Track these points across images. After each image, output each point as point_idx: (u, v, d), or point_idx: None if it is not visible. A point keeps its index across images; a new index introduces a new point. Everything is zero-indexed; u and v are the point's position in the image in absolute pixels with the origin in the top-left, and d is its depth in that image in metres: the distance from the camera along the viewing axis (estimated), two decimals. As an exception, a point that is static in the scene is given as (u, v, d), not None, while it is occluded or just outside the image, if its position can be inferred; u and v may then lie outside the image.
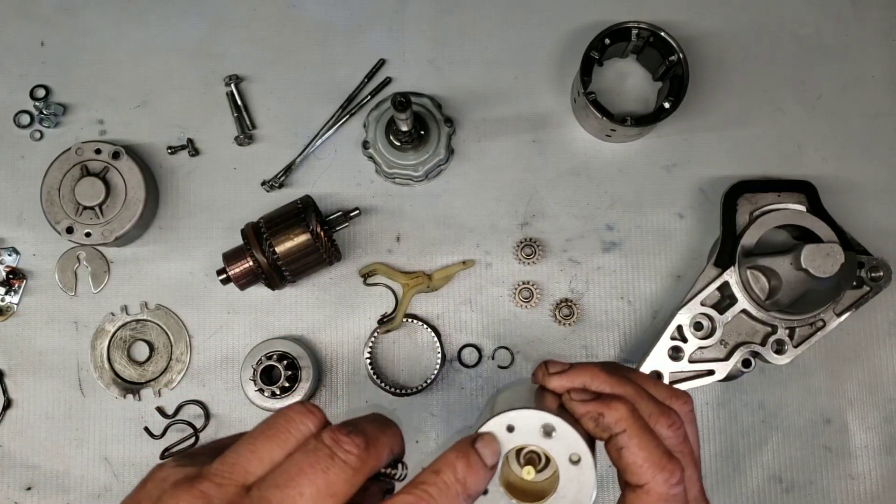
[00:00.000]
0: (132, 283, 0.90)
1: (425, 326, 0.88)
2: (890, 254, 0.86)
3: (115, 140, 0.89)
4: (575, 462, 0.47)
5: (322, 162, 0.90)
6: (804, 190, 0.84)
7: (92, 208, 0.85)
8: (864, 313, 0.85)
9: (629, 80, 0.91)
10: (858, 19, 0.92)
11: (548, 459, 0.48)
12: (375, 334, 0.88)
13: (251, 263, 0.82)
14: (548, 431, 0.47)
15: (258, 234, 0.82)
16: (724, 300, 0.83)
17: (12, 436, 0.88)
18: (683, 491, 0.46)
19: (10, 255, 0.89)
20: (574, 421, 0.48)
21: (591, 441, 0.48)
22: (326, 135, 0.90)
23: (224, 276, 0.83)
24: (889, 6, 0.93)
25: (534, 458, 0.48)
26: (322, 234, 0.81)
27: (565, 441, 0.47)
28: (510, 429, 0.47)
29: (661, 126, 0.87)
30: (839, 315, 0.82)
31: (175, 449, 0.85)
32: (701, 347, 0.81)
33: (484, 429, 0.47)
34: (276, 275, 0.82)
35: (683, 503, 0.46)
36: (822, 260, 0.76)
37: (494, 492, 0.47)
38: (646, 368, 0.81)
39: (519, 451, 0.48)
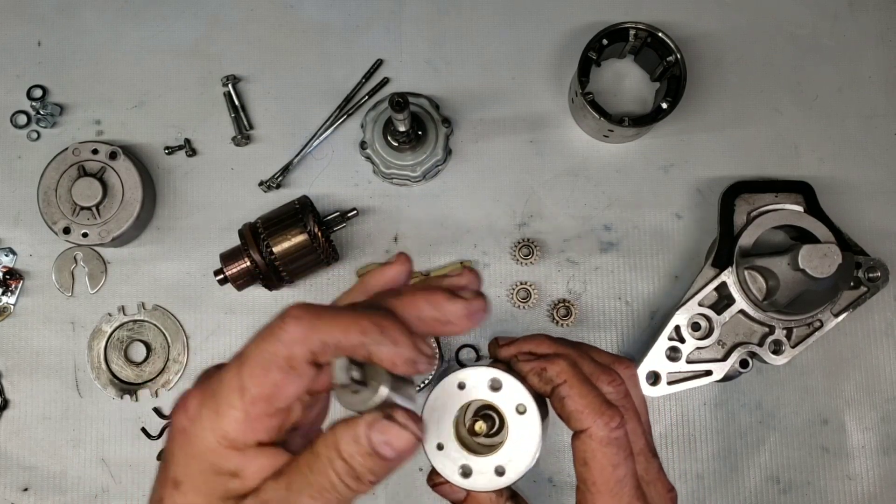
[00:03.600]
0: (129, 284, 0.89)
1: (423, 327, 0.87)
2: (887, 254, 0.86)
3: (112, 140, 0.89)
4: (521, 412, 0.50)
5: (319, 162, 0.90)
6: (801, 190, 0.84)
7: (89, 209, 0.85)
8: (861, 314, 0.85)
9: (627, 81, 0.91)
10: (855, 20, 0.93)
11: (500, 423, 0.51)
12: (373, 335, 0.87)
13: (248, 264, 0.82)
14: (495, 386, 0.50)
15: (255, 234, 0.82)
16: (722, 300, 0.83)
17: (9, 436, 0.87)
18: (625, 435, 0.49)
19: (6, 255, 0.89)
20: (522, 379, 0.51)
21: (538, 399, 0.51)
22: (324, 135, 0.90)
23: (221, 276, 0.82)
24: (885, 7, 0.93)
25: (486, 419, 0.51)
26: (319, 234, 0.81)
27: (511, 393, 0.50)
28: (461, 386, 0.50)
29: (658, 126, 0.87)
30: (836, 315, 0.82)
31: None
32: (698, 348, 0.81)
33: (439, 386, 0.51)
34: (274, 275, 0.82)
35: (625, 449, 0.48)
36: (820, 260, 0.76)
37: (449, 446, 0.50)
38: (643, 369, 0.81)
39: (473, 411, 0.51)
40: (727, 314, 0.81)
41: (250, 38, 0.92)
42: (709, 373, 0.82)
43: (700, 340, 0.81)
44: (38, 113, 0.89)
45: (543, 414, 0.51)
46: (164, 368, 0.88)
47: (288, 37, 0.92)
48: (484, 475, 0.50)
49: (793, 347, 0.81)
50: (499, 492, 0.50)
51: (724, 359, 0.82)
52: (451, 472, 0.51)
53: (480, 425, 0.50)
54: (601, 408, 0.49)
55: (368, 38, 0.92)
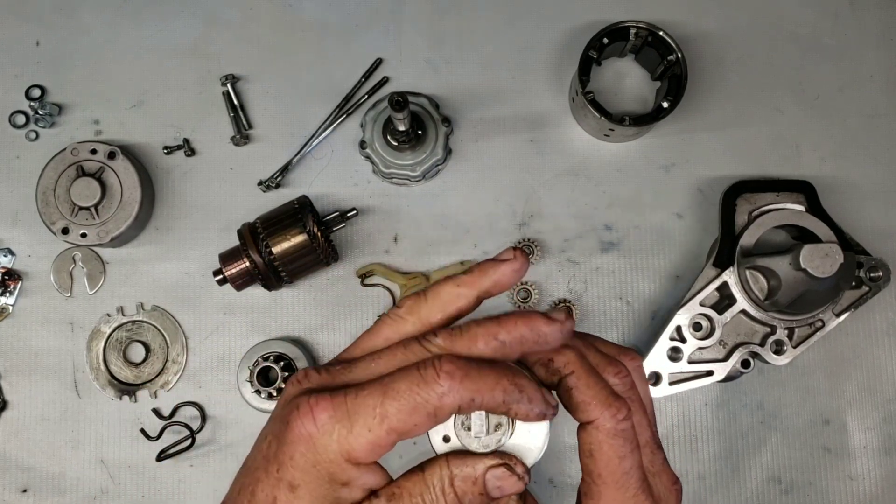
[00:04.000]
0: (128, 284, 0.89)
1: (423, 327, 0.87)
2: (889, 254, 0.85)
3: (110, 140, 0.89)
4: None
5: (319, 162, 0.90)
6: (803, 190, 0.84)
7: (88, 209, 0.84)
8: (862, 313, 0.85)
9: (627, 80, 0.91)
10: (856, 19, 0.92)
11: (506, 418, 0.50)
12: (373, 335, 0.87)
13: (248, 264, 0.81)
14: None
15: (255, 234, 0.82)
16: (723, 300, 0.82)
17: (7, 438, 0.87)
18: (631, 427, 0.48)
19: (5, 255, 0.89)
20: (528, 370, 0.50)
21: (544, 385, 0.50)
22: (323, 135, 0.90)
23: (220, 276, 0.82)
24: (886, 6, 0.93)
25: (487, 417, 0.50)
26: (319, 234, 0.81)
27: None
28: None
29: (659, 126, 0.87)
30: (838, 315, 0.82)
31: (171, 451, 0.85)
32: (700, 348, 0.81)
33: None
34: (273, 275, 0.82)
35: (632, 441, 0.48)
36: (821, 260, 0.76)
37: (454, 440, 0.49)
38: (644, 369, 0.81)
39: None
40: (728, 314, 0.81)
41: (249, 38, 0.92)
42: (710, 373, 0.81)
43: (701, 340, 0.81)
44: (36, 113, 0.89)
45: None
46: (163, 369, 0.88)
47: (287, 36, 0.92)
48: None
49: (794, 347, 0.81)
50: (513, 458, 0.50)
51: (726, 359, 0.81)
52: None
53: (478, 422, 0.49)
54: (608, 399, 0.48)
55: (368, 38, 0.92)
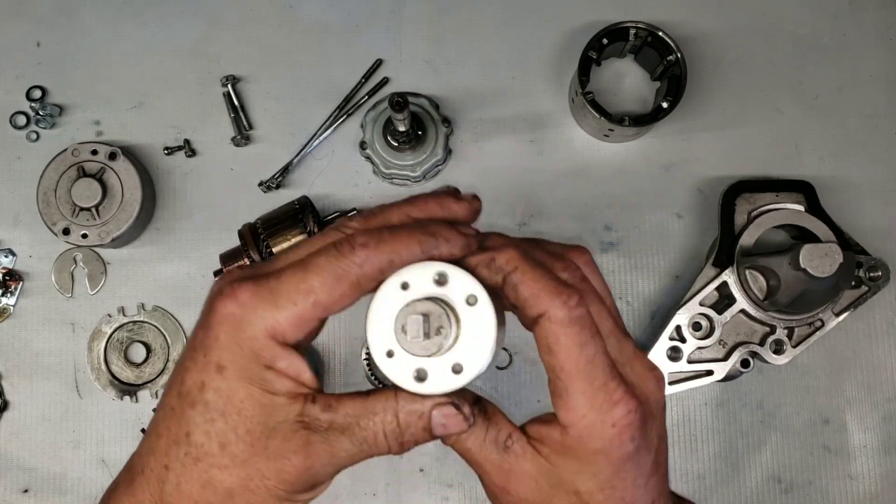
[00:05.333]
0: (129, 285, 0.89)
1: (423, 327, 0.87)
2: (888, 253, 0.86)
3: (111, 141, 0.89)
4: (472, 304, 0.47)
5: (319, 162, 0.90)
6: (802, 190, 0.84)
7: (88, 209, 0.84)
8: (862, 313, 0.85)
9: (627, 80, 0.91)
10: (855, 19, 0.93)
11: (451, 319, 0.48)
12: (373, 335, 0.87)
13: (248, 264, 0.81)
14: (440, 281, 0.48)
15: (255, 235, 0.82)
16: (723, 300, 0.83)
17: (8, 438, 0.87)
18: (587, 315, 0.46)
19: (6, 256, 0.89)
20: (471, 272, 0.48)
21: (491, 292, 0.48)
22: (324, 135, 0.90)
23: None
24: (886, 6, 0.93)
25: (431, 315, 0.48)
26: (320, 234, 0.81)
27: (459, 285, 0.47)
28: (405, 286, 0.47)
29: (659, 126, 0.87)
30: (838, 315, 0.82)
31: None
32: (699, 348, 0.81)
33: (382, 289, 0.48)
34: (274, 276, 0.82)
35: (590, 328, 0.46)
36: (821, 260, 0.76)
37: (400, 352, 0.47)
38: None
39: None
40: (728, 314, 0.81)
41: (250, 39, 0.92)
42: (710, 372, 0.81)
43: (701, 340, 0.81)
44: (37, 114, 0.89)
45: (498, 308, 0.48)
46: (164, 369, 0.88)
47: (287, 37, 0.92)
48: (440, 376, 0.47)
49: (794, 347, 0.81)
50: (462, 398, 0.47)
51: (726, 358, 0.82)
52: (405, 379, 0.47)
53: (414, 326, 0.46)
54: (557, 288, 0.46)
55: (368, 38, 0.92)
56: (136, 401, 0.88)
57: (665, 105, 0.83)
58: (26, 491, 0.87)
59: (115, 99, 0.91)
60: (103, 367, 0.88)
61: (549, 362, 0.46)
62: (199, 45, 0.92)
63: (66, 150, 0.86)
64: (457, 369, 0.47)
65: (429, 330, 0.46)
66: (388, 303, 0.48)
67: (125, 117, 0.91)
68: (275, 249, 0.80)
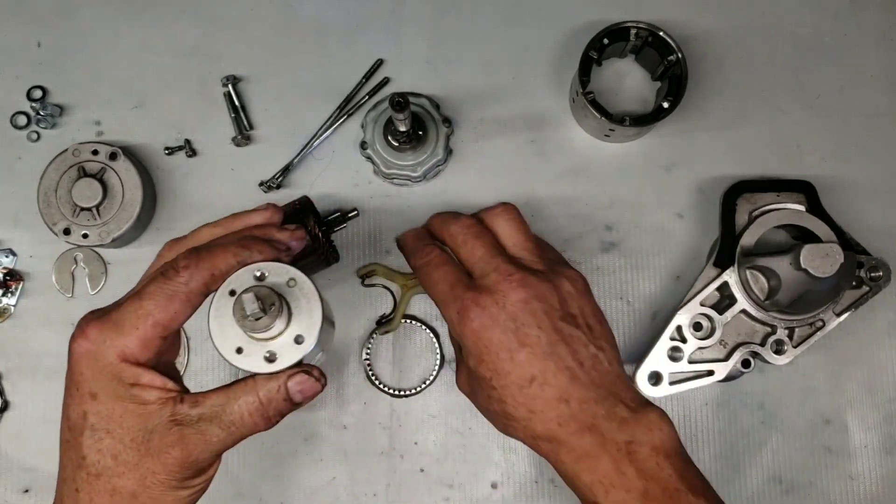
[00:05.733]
0: (130, 285, 0.87)
1: (424, 327, 0.88)
2: (889, 253, 0.85)
3: (112, 141, 0.89)
4: (293, 285, 0.56)
5: (320, 163, 0.90)
6: (803, 190, 0.84)
7: (89, 209, 0.84)
8: (863, 313, 0.85)
9: (628, 80, 0.91)
10: (856, 19, 0.92)
11: (279, 304, 0.55)
12: (374, 335, 0.87)
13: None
14: (261, 276, 0.56)
15: (256, 235, 0.82)
16: (724, 300, 0.83)
17: (9, 438, 0.87)
18: (430, 262, 0.67)
19: (6, 256, 0.89)
20: (278, 261, 0.58)
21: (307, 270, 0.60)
22: (324, 135, 0.90)
23: (222, 277, 0.82)
24: (887, 6, 0.93)
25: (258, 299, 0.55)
26: (320, 235, 0.81)
27: (277, 274, 0.56)
28: (232, 293, 0.56)
29: (659, 126, 0.87)
30: (839, 315, 0.82)
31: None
32: (700, 348, 0.81)
33: (214, 302, 0.57)
34: (274, 276, 0.82)
35: (436, 266, 0.66)
36: (822, 260, 0.76)
37: (246, 345, 0.56)
38: (645, 369, 0.81)
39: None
40: (729, 314, 0.81)
41: (250, 39, 0.92)
42: (711, 373, 0.81)
43: (702, 340, 0.81)
44: (37, 114, 0.89)
45: (313, 280, 0.57)
46: (164, 369, 0.88)
47: (288, 37, 0.92)
48: (286, 351, 0.55)
49: (795, 347, 0.81)
50: (309, 366, 0.57)
51: (726, 359, 0.82)
52: (258, 366, 0.55)
53: (250, 305, 0.52)
54: (417, 252, 0.69)
55: (368, 38, 0.92)
56: (137, 401, 0.88)
57: (666, 105, 0.83)
58: (27, 491, 0.87)
59: (115, 99, 0.91)
60: (104, 367, 0.88)
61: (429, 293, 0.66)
62: (199, 46, 0.92)
63: (66, 150, 0.86)
64: (298, 340, 0.56)
65: (264, 306, 0.52)
66: (222, 310, 0.56)
67: (126, 117, 0.91)
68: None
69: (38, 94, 0.90)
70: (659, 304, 0.88)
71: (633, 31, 0.85)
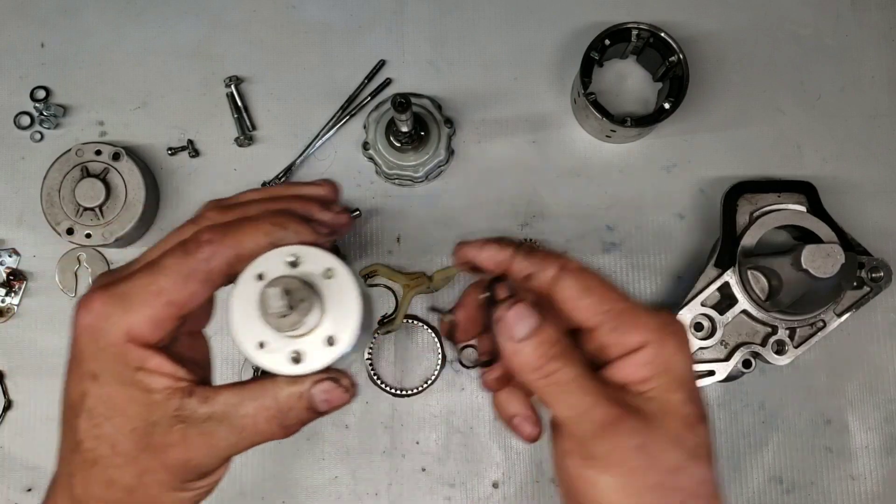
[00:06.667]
0: (132, 285, 0.89)
1: (426, 327, 0.88)
2: (890, 254, 0.86)
3: (115, 141, 0.89)
4: (330, 277, 0.48)
5: (322, 163, 0.90)
6: (804, 190, 0.84)
7: (92, 209, 0.85)
8: (864, 314, 0.85)
9: (629, 81, 0.91)
10: (857, 20, 0.93)
11: (311, 297, 0.47)
12: (375, 335, 0.88)
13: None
14: (294, 263, 0.48)
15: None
16: (725, 301, 0.83)
17: (13, 437, 0.87)
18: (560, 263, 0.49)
19: (10, 256, 0.89)
20: (321, 246, 0.49)
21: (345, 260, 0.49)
22: (326, 136, 0.90)
23: (224, 277, 0.82)
24: (888, 6, 0.93)
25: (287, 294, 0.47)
26: (322, 235, 0.81)
27: (313, 261, 0.48)
28: (260, 277, 0.47)
29: (661, 127, 0.87)
30: (839, 315, 0.82)
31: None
32: (701, 348, 0.81)
33: (237, 285, 0.47)
34: (277, 276, 0.82)
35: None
36: (823, 260, 0.76)
37: (270, 340, 0.47)
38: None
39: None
40: (730, 314, 0.81)
41: (253, 39, 0.92)
42: (711, 373, 0.82)
43: (703, 341, 0.81)
44: (41, 114, 0.90)
45: (353, 272, 0.49)
46: (167, 369, 0.88)
47: (290, 37, 0.92)
48: (316, 352, 0.47)
49: (796, 347, 0.81)
50: (339, 373, 0.48)
51: (727, 359, 0.82)
52: (281, 365, 0.47)
53: (275, 301, 0.45)
54: (549, 256, 0.50)
55: (370, 39, 0.92)
56: (140, 400, 0.88)
57: (667, 106, 0.84)
58: (30, 490, 0.87)
59: (118, 99, 0.91)
60: (107, 366, 0.88)
61: (591, 306, 0.48)
62: (202, 46, 0.92)
63: (69, 150, 0.86)
64: (331, 341, 0.47)
65: (292, 302, 0.44)
66: (246, 296, 0.47)
67: (129, 118, 0.91)
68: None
69: (41, 94, 0.91)
70: (660, 304, 0.88)
71: (634, 32, 0.86)
